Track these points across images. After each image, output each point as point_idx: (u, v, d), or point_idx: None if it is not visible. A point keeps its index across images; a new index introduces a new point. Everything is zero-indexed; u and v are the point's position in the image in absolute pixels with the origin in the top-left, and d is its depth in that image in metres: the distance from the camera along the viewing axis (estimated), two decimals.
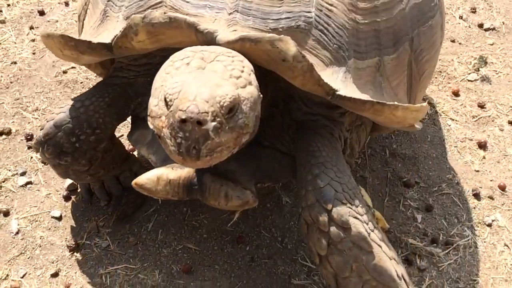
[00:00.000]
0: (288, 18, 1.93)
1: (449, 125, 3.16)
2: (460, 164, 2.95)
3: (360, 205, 1.93)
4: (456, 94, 3.34)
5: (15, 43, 3.60)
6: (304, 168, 2.01)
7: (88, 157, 2.28)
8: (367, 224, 1.91)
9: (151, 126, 1.70)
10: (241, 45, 1.81)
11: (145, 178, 2.04)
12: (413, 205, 2.74)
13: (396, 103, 1.96)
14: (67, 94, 3.27)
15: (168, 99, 1.59)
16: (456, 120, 3.18)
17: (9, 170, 2.84)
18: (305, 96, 2.12)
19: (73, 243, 2.50)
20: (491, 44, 3.68)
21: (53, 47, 2.21)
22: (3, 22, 3.75)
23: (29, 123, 3.10)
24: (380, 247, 1.90)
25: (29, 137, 2.99)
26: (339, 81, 1.95)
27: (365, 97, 1.97)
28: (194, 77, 1.63)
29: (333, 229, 1.87)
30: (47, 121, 2.22)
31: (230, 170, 2.05)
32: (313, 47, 1.95)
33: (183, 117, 1.52)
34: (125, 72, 2.31)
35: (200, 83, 1.60)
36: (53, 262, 2.46)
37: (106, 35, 2.08)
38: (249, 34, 1.82)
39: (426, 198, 2.77)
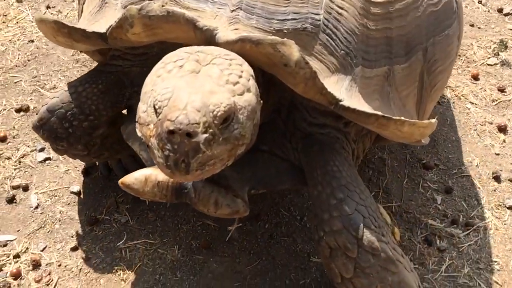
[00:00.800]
0: (294, 19, 1.80)
1: (469, 109, 3.13)
2: (480, 147, 2.92)
3: (383, 226, 1.90)
4: (475, 78, 3.31)
5: (31, 21, 3.59)
6: (323, 189, 1.91)
7: (84, 142, 2.25)
8: (390, 244, 1.87)
9: (139, 134, 1.58)
10: (241, 46, 1.69)
11: (133, 178, 1.94)
12: (433, 187, 2.72)
13: (402, 118, 1.83)
14: (84, 73, 3.26)
15: (157, 106, 1.46)
16: (475, 104, 3.15)
17: (28, 146, 2.84)
18: (309, 105, 2.01)
19: (93, 218, 2.51)
20: (511, 29, 3.64)
21: (47, 33, 2.12)
22: (20, 1, 3.75)
23: None
24: (402, 263, 1.88)
25: None
26: (344, 90, 1.83)
27: (369, 109, 1.85)
28: (187, 82, 1.49)
29: (362, 255, 1.81)
30: (42, 106, 2.21)
31: (223, 175, 1.93)
32: (319, 52, 1.83)
33: (171, 128, 1.38)
34: (120, 61, 2.24)
35: (192, 89, 1.46)
36: (72, 236, 2.46)
37: (103, 23, 1.98)
38: (250, 35, 1.69)
39: (445, 180, 2.75)
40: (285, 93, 1.98)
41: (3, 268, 2.33)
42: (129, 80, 2.25)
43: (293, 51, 1.66)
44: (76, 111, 2.17)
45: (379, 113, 1.81)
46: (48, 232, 2.48)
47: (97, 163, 2.70)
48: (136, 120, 1.59)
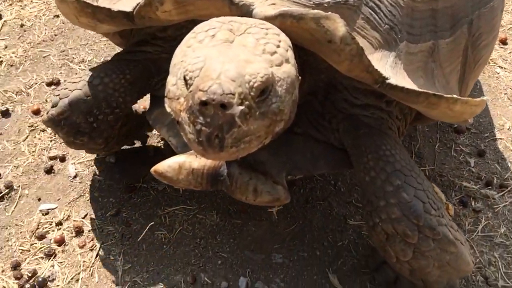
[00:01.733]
0: None
1: (498, 73, 3.11)
2: (511, 111, 2.91)
3: (441, 207, 1.83)
4: (503, 42, 3.29)
5: None
6: (377, 175, 1.82)
7: (106, 136, 2.15)
8: (448, 224, 1.82)
9: (168, 109, 1.49)
10: (280, 22, 1.58)
11: (166, 166, 1.85)
12: (465, 150, 2.73)
13: (455, 96, 1.73)
14: (111, 47, 3.28)
15: (187, 78, 1.35)
16: (504, 68, 3.14)
17: None
18: (349, 85, 1.93)
19: (130, 186, 2.55)
20: None
21: (69, 13, 1.99)
22: None
23: (76, 74, 3.13)
24: (459, 240, 1.84)
25: None
26: (389, 67, 1.73)
27: (416, 86, 1.74)
28: (220, 51, 1.38)
29: (422, 241, 1.76)
30: (60, 98, 2.01)
31: (260, 161, 1.86)
32: (362, 27, 1.72)
33: (204, 98, 1.28)
34: (149, 47, 2.12)
35: (226, 59, 1.35)
36: (112, 204, 2.51)
37: (128, 1, 1.86)
38: (291, 9, 1.57)
39: (477, 144, 2.76)
40: (322, 75, 1.92)
41: (46, 235, 2.38)
42: (156, 68, 2.14)
43: (338, 26, 1.54)
44: (102, 105, 2.02)
45: (430, 91, 1.70)
46: (87, 200, 2.52)
47: None
48: (165, 94, 1.49)
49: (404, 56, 1.79)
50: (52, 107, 2.02)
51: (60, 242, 2.36)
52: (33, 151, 2.71)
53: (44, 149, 2.73)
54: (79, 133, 2.05)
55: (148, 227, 2.41)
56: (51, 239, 2.37)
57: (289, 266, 2.26)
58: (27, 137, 2.78)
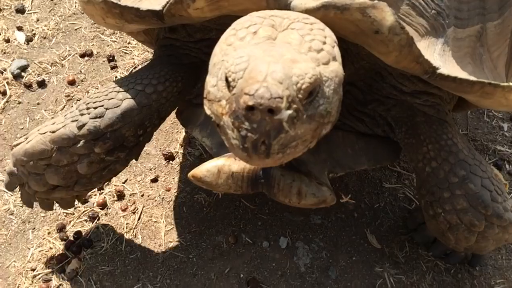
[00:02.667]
0: None
1: None
2: None
3: (504, 191, 1.80)
4: None
5: None
6: (440, 166, 1.78)
7: (139, 153, 1.97)
8: (510, 207, 1.79)
9: (207, 112, 1.39)
10: (323, 14, 1.49)
11: (204, 170, 1.76)
12: (498, 116, 2.74)
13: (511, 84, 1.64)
14: None
15: (230, 79, 1.26)
16: None
17: (97, 88, 2.93)
18: (394, 71, 1.85)
19: (168, 153, 2.60)
20: None
21: (94, 15, 1.89)
22: None
23: (108, 46, 3.17)
24: None
25: (111, 58, 3.07)
26: (437, 56, 1.64)
27: (467, 74, 1.66)
28: (264, 50, 1.28)
29: (488, 228, 1.76)
30: (107, 108, 1.79)
31: (301, 160, 1.77)
32: (407, 13, 1.64)
33: (250, 103, 1.18)
34: (186, 50, 2.00)
35: (271, 58, 1.25)
36: (151, 169, 2.56)
37: (155, 0, 1.76)
38: (334, 0, 1.48)
39: None
40: (363, 62, 1.84)
41: (89, 199, 2.45)
42: (198, 73, 2.01)
43: (386, 15, 1.46)
44: (155, 116, 1.86)
45: (485, 80, 1.63)
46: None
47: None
48: (204, 96, 1.40)
49: (452, 42, 1.70)
50: (95, 117, 1.78)
51: (103, 205, 2.42)
52: None
53: None
54: (121, 147, 1.83)
55: (187, 191, 2.46)
56: (94, 203, 2.44)
57: (327, 227, 2.31)
58: (64, 107, 2.83)
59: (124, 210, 2.41)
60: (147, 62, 2.63)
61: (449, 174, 1.76)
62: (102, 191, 2.48)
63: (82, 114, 1.80)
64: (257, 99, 1.18)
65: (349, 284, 2.14)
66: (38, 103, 2.85)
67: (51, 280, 2.17)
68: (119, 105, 1.79)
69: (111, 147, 1.80)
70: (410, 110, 1.89)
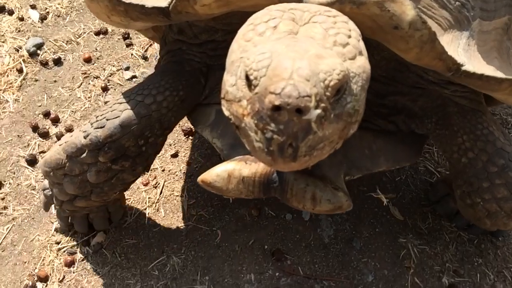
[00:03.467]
0: None
1: None
2: None
3: None
4: None
5: None
6: (478, 156, 1.74)
7: (148, 163, 1.95)
8: None
9: (226, 113, 1.31)
10: (338, 9, 1.40)
11: (214, 175, 1.69)
12: None
13: None
14: None
15: (251, 77, 1.18)
16: None
17: (113, 66, 2.92)
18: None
19: (188, 128, 2.60)
20: None
21: (99, 13, 1.85)
22: None
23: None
24: None
25: (126, 36, 3.05)
26: (461, 51, 1.54)
27: (493, 71, 1.57)
28: (287, 45, 1.20)
29: None
30: (107, 119, 1.80)
31: (316, 164, 1.66)
32: (428, 5, 1.53)
33: (277, 102, 1.10)
34: (190, 54, 1.93)
35: (295, 54, 1.17)
36: (171, 145, 2.56)
37: None
38: None
39: None
40: (384, 52, 1.73)
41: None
42: (206, 79, 1.96)
43: (406, 9, 1.37)
44: (156, 126, 1.83)
45: (509, 76, 1.54)
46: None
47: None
48: (222, 96, 1.32)
49: (477, 35, 1.59)
50: (97, 128, 1.80)
51: None
52: (89, 97, 2.76)
53: (100, 95, 2.78)
54: (123, 157, 1.82)
55: (208, 166, 2.45)
56: None
57: None
58: (81, 84, 2.83)
59: (145, 185, 2.41)
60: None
61: (488, 164, 1.73)
62: None
63: (91, 124, 1.83)
64: (284, 98, 1.10)
65: (373, 254, 2.15)
66: (55, 81, 2.84)
67: (76, 253, 2.18)
68: (118, 116, 1.79)
69: (114, 156, 1.80)
70: (440, 100, 1.83)
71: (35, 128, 2.60)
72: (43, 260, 2.17)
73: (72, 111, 2.70)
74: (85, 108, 2.71)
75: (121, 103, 1.84)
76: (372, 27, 1.44)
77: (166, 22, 1.72)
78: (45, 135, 2.58)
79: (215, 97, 1.93)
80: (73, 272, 2.13)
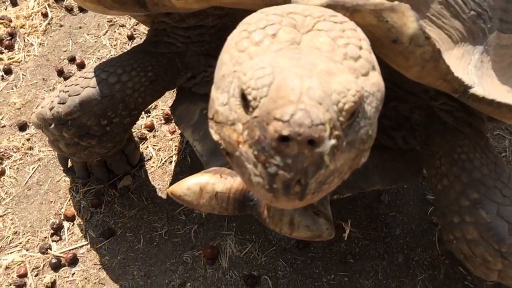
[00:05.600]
0: None
1: None
2: None
3: None
4: None
5: None
6: (452, 185, 1.50)
7: (117, 140, 1.87)
8: None
9: (215, 137, 1.12)
10: None
11: (185, 188, 1.53)
12: None
13: None
14: None
15: (250, 97, 0.98)
16: None
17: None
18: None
19: None
20: None
21: None
22: None
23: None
24: None
25: None
26: (472, 68, 1.34)
27: (508, 92, 1.38)
28: (290, 58, 1.01)
29: (508, 268, 1.46)
30: (69, 95, 1.71)
31: None
32: (438, 14, 1.33)
33: (285, 132, 0.90)
34: (171, 38, 1.79)
35: (302, 70, 0.97)
36: None
37: None
38: None
39: None
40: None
41: (136, 122, 2.43)
42: (184, 63, 1.83)
43: (408, 20, 1.17)
44: (119, 106, 1.73)
45: None
46: (173, 92, 2.56)
47: (69, 163, 2.25)
48: (210, 116, 1.12)
49: (493, 50, 1.40)
50: (60, 103, 1.72)
51: (151, 127, 2.41)
52: (114, 45, 2.73)
53: (125, 43, 2.74)
54: (87, 135, 1.76)
55: None
56: (141, 125, 2.42)
57: None
58: (107, 31, 2.79)
59: (172, 133, 2.39)
60: None
61: (461, 196, 1.47)
62: (149, 114, 2.46)
63: (58, 96, 1.75)
64: (294, 127, 0.89)
65: (401, 209, 2.15)
66: (80, 27, 2.80)
67: (103, 195, 2.17)
68: (79, 93, 1.70)
69: (77, 133, 1.74)
70: (429, 114, 1.63)
71: (60, 72, 2.58)
72: (69, 200, 2.16)
73: (98, 58, 2.66)
74: (111, 55, 2.67)
75: (85, 78, 1.74)
76: (368, 38, 1.19)
77: (145, 12, 1.59)
78: None
79: (205, 87, 1.82)
80: (100, 213, 2.13)
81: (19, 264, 1.97)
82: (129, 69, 1.74)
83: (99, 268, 1.97)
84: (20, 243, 2.04)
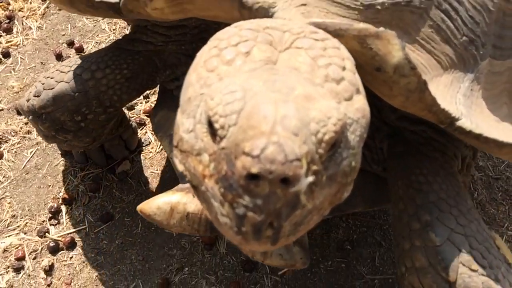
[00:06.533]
0: None
1: None
2: None
3: (499, 266, 1.30)
4: None
5: None
6: (405, 208, 1.38)
7: (94, 135, 1.83)
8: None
9: (179, 167, 1.01)
10: None
11: (154, 207, 1.45)
12: None
13: None
14: None
15: (217, 125, 0.86)
16: None
17: None
18: None
19: None
20: None
21: None
22: None
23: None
24: None
25: None
26: (461, 97, 1.27)
27: (497, 123, 1.32)
28: (265, 81, 0.89)
29: None
30: (44, 88, 1.69)
31: None
32: (428, 38, 1.25)
33: (255, 170, 0.79)
34: (150, 36, 1.73)
35: (278, 95, 0.86)
36: None
37: None
38: (326, 22, 1.11)
39: None
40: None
41: (135, 107, 2.42)
42: (162, 60, 1.77)
43: (393, 49, 1.10)
44: (93, 103, 1.69)
45: None
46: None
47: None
48: (175, 144, 1.01)
49: (485, 77, 1.33)
50: (35, 95, 1.70)
51: (149, 113, 2.39)
52: (113, 29, 2.71)
53: (124, 28, 2.72)
54: (63, 130, 1.74)
55: None
56: (140, 110, 2.41)
57: None
58: None
59: None
60: None
61: (412, 219, 1.35)
62: (148, 99, 2.45)
63: (35, 87, 1.72)
64: (265, 164, 0.78)
65: None
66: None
67: (101, 180, 2.17)
68: (53, 88, 1.67)
69: (51, 128, 1.72)
70: (397, 140, 1.54)
71: (59, 56, 2.56)
72: (67, 184, 2.16)
73: (97, 42, 2.65)
74: (110, 40, 2.65)
75: (61, 72, 1.71)
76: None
77: (119, 18, 1.55)
78: None
79: None
80: (98, 198, 2.13)
81: (17, 247, 1.97)
82: (103, 66, 1.70)
83: (97, 252, 1.98)
84: (18, 226, 2.04)
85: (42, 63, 2.55)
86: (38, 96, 1.69)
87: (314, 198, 0.87)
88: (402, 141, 1.53)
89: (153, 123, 1.78)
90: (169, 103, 1.78)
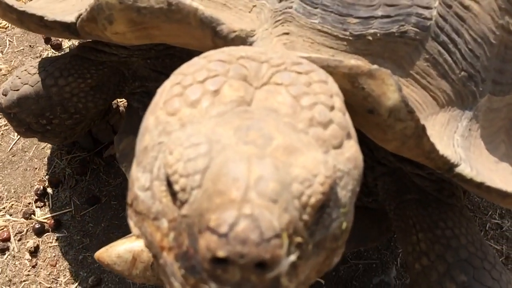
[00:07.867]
0: (388, 16, 1.09)
1: None
2: None
3: None
4: None
5: None
6: (433, 264, 1.32)
7: (64, 136, 1.81)
8: None
9: (134, 231, 0.86)
10: None
11: (114, 256, 1.21)
12: None
13: None
14: None
15: (176, 186, 0.72)
16: None
17: None
18: None
19: None
20: None
21: None
22: None
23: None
24: None
25: None
26: (459, 139, 1.18)
27: (495, 164, 1.25)
28: (236, 129, 0.74)
29: None
30: (11, 89, 1.65)
31: None
32: (424, 72, 1.15)
33: (222, 254, 0.64)
34: (113, 48, 1.61)
35: (251, 148, 0.72)
36: None
37: (74, 7, 1.38)
38: (312, 56, 0.97)
39: None
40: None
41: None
42: (131, 71, 1.68)
43: (388, 90, 0.97)
44: (57, 109, 1.64)
45: None
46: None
47: None
48: (129, 202, 0.86)
49: (483, 115, 1.24)
50: (3, 94, 1.67)
51: None
52: None
53: None
54: (30, 130, 1.72)
55: None
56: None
57: None
58: None
59: None
60: None
61: (445, 278, 1.29)
62: None
63: (6, 84, 1.69)
64: (234, 246, 0.63)
65: None
66: None
67: (88, 163, 2.16)
68: (18, 90, 1.63)
69: (19, 127, 1.70)
70: (403, 183, 1.43)
71: (47, 40, 2.54)
72: (54, 167, 2.15)
73: None
74: None
75: (28, 73, 1.66)
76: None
77: (77, 39, 1.43)
78: (58, 47, 2.52)
79: None
80: (85, 181, 2.12)
81: (2, 229, 1.97)
82: (66, 74, 1.63)
83: (83, 235, 1.98)
84: (4, 208, 2.03)
85: (30, 46, 2.54)
86: (5, 95, 1.66)
87: (298, 275, 0.72)
88: (413, 188, 1.41)
89: (117, 150, 1.63)
90: (136, 128, 1.58)
